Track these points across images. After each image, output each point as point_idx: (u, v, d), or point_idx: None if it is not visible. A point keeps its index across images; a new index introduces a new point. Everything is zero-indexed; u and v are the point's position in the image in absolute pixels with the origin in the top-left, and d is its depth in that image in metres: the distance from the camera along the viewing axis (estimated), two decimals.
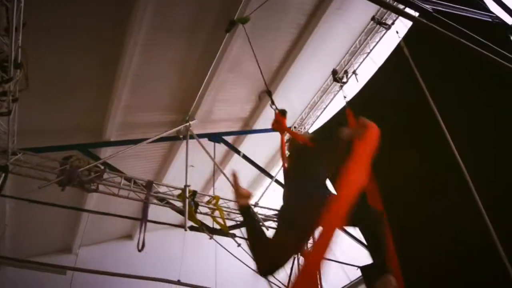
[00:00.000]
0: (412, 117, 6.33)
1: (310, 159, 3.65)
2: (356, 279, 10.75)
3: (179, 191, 8.23)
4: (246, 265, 10.30)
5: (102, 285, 10.65)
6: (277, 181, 10.61)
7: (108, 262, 10.10)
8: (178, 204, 8.29)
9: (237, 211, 9.47)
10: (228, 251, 8.29)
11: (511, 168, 4.88)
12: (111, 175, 7.89)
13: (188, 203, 7.83)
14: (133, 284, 10.44)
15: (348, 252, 9.66)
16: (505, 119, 5.04)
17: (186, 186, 8.10)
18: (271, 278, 10.31)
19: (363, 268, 8.97)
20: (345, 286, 11.45)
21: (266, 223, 9.18)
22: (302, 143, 4.18)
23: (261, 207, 9.88)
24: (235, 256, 8.98)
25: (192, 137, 9.27)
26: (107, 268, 9.42)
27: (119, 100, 8.22)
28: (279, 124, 5.15)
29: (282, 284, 9.22)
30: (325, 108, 11.08)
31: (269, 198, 11.36)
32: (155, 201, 8.16)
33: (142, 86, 8.38)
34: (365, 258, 9.19)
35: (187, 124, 9.29)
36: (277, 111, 5.41)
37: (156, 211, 8.65)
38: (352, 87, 9.90)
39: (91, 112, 8.44)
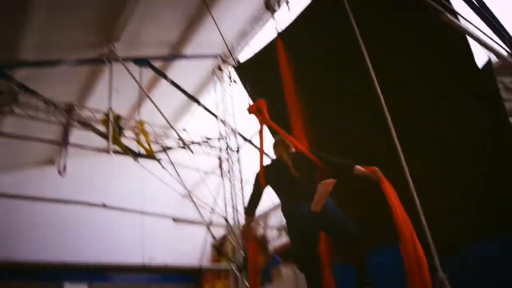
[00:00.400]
0: (342, 58, 6.27)
1: (313, 177, 3.74)
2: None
3: (102, 115, 8.04)
4: (173, 189, 10.60)
5: (25, 211, 10.48)
6: (205, 108, 10.63)
7: (30, 187, 9.83)
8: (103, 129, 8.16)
9: (164, 137, 9.52)
10: (154, 175, 8.40)
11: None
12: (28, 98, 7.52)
13: (112, 127, 7.70)
14: (59, 209, 10.38)
15: None
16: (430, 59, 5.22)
17: (110, 109, 7.91)
18: (197, 200, 10.67)
19: None
20: (268, 208, 12.05)
21: (192, 147, 9.33)
22: (305, 156, 3.85)
23: (188, 131, 9.93)
24: (161, 180, 9.16)
25: (116, 60, 8.89)
26: (30, 193, 9.25)
27: (35, 17, 7.58)
28: (262, 114, 4.13)
29: (208, 205, 9.64)
30: (255, 36, 10.98)
31: (197, 125, 11.38)
32: (76, 125, 7.94)
33: (61, 1, 7.76)
34: None
35: (111, 45, 8.85)
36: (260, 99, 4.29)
37: (81, 137, 8.46)
38: (286, 17, 9.82)
39: (4, 29, 7.75)
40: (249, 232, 4.19)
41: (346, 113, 6.18)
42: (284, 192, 3.82)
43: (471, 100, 5.00)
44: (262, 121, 4.09)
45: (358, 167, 3.64)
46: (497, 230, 4.58)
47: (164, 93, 10.24)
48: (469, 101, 5.01)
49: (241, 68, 7.67)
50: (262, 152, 4.02)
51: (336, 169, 3.78)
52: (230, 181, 9.14)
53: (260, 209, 11.62)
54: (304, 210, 3.42)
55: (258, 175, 3.92)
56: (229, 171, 9.21)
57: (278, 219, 11.80)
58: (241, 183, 8.81)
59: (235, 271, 8.51)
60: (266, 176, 3.87)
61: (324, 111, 6.32)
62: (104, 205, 9.10)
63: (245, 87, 7.46)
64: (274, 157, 4.11)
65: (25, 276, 10.18)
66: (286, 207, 3.75)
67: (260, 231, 12.10)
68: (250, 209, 4.02)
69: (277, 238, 11.72)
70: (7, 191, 9.14)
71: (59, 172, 7.14)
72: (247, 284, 8.32)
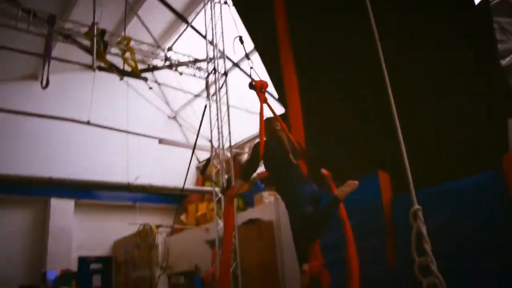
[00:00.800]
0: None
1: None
2: None
3: (86, 29, 7.74)
4: (158, 109, 10.56)
5: (11, 125, 10.41)
6: (193, 28, 10.29)
7: (14, 102, 9.69)
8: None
9: (151, 56, 9.28)
10: (140, 94, 8.29)
11: None
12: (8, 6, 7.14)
13: (97, 42, 7.45)
14: (44, 124, 10.32)
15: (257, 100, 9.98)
16: None
17: (94, 23, 7.60)
18: (183, 122, 10.68)
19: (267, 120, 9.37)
20: (253, 135, 12.15)
21: (180, 69, 9.14)
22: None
23: (176, 52, 9.68)
24: (147, 100, 9.07)
25: None
26: (12, 107, 9.12)
27: None
28: (263, 94, 4.34)
29: (193, 128, 9.62)
30: None
31: (185, 46, 11.09)
32: (59, 37, 7.65)
33: None
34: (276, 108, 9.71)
35: None
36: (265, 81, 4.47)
37: (64, 52, 8.22)
38: None
39: None
40: (234, 196, 4.45)
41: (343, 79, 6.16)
42: (280, 174, 4.13)
43: (464, 39, 4.89)
44: (263, 100, 4.27)
45: (326, 173, 4.19)
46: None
47: (151, 10, 9.85)
48: (462, 40, 4.90)
49: None
50: (262, 128, 4.13)
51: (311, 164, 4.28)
52: (217, 105, 9.07)
53: (245, 135, 11.60)
54: (309, 190, 3.94)
55: (257, 145, 4.05)
56: (215, 94, 9.10)
57: None
58: (227, 107, 8.75)
59: (218, 193, 8.70)
60: (265, 150, 4.03)
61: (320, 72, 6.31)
62: (88, 122, 9.06)
63: (239, 14, 7.19)
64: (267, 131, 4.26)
65: (12, 190, 10.33)
66: (284, 188, 4.13)
67: (245, 157, 12.31)
68: (246, 175, 4.19)
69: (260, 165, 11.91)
70: None
71: (42, 85, 6.96)
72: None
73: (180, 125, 9.96)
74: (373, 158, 6.08)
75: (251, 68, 4.94)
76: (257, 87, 4.29)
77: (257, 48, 7.66)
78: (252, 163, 4.12)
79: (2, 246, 10.29)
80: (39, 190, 10.74)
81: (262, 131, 4.11)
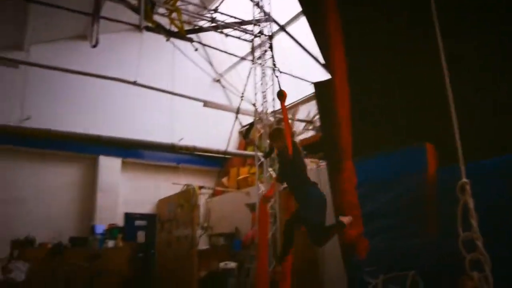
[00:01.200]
0: None
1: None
2: (309, 94, 11.11)
3: None
4: (203, 70, 10.53)
5: (56, 82, 10.74)
6: None
7: (62, 60, 9.95)
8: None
9: (197, 16, 9.21)
10: (186, 55, 8.27)
11: None
12: None
13: (144, 1, 7.43)
14: (93, 83, 10.59)
15: (303, 66, 9.76)
16: None
17: None
18: (228, 85, 10.61)
19: (316, 84, 9.10)
20: (297, 100, 11.98)
21: (225, 31, 9.02)
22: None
23: (222, 13, 9.52)
24: (193, 61, 9.06)
25: None
26: (62, 65, 9.36)
27: None
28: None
29: (237, 90, 9.57)
30: None
31: (231, 7, 10.87)
32: None
33: None
34: (319, 73, 9.46)
35: None
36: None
37: (113, 12, 8.26)
38: None
39: None
40: (272, 197, 4.90)
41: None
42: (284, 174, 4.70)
43: None
44: (285, 110, 4.65)
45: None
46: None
47: None
48: None
49: None
50: (288, 128, 4.53)
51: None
52: (262, 68, 8.94)
53: (288, 101, 11.48)
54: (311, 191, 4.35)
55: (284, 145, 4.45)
56: (261, 58, 8.97)
57: (305, 112, 11.78)
58: (273, 70, 8.61)
59: (260, 158, 8.70)
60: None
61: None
62: (135, 83, 9.20)
63: None
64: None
65: (64, 146, 10.80)
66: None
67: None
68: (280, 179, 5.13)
69: (303, 132, 11.79)
70: (43, 62, 9.28)
71: (91, 45, 7.08)
72: (271, 172, 8.57)
73: (224, 88, 9.91)
74: (418, 131, 5.92)
75: (277, 76, 5.38)
76: (284, 97, 4.60)
77: (305, 12, 7.45)
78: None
79: (56, 199, 10.88)
80: (89, 148, 11.15)
81: (288, 135, 4.46)
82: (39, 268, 8.29)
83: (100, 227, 10.51)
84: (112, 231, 10.34)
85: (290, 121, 12.04)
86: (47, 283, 8.01)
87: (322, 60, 9.07)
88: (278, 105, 9.17)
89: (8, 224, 9.77)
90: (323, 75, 8.92)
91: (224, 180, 12.91)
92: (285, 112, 4.65)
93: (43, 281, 8.03)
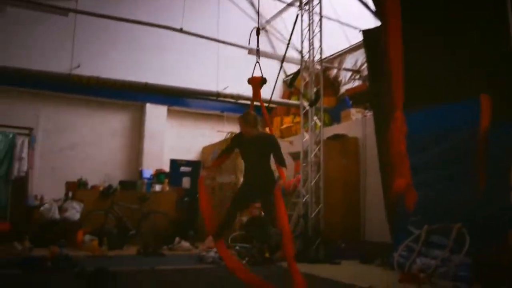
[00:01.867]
0: None
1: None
2: (357, 43, 10.75)
3: None
4: (249, 16, 10.30)
5: (104, 30, 10.87)
6: None
7: (111, 8, 10.01)
8: None
9: None
10: (231, 0, 8.10)
11: None
12: None
13: None
14: (139, 31, 10.67)
15: (350, 13, 9.36)
16: None
17: None
18: (274, 32, 10.31)
19: (366, 32, 8.68)
20: (344, 49, 11.61)
21: None
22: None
23: None
24: (238, 7, 8.88)
25: None
26: (108, 13, 9.44)
27: None
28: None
29: (283, 37, 9.26)
30: None
31: None
32: None
33: None
34: (370, 20, 9.05)
35: None
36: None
37: None
38: None
39: None
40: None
41: None
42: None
43: None
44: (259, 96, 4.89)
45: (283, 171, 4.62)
46: None
47: None
48: None
49: None
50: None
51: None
52: (309, 15, 8.65)
53: (335, 49, 11.17)
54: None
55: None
56: (308, 4, 8.65)
57: (352, 61, 11.42)
58: (320, 17, 8.31)
59: (306, 106, 8.61)
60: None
61: None
62: (181, 30, 9.18)
63: None
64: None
65: (112, 94, 11.10)
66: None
67: (333, 72, 11.91)
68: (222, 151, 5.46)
69: (349, 81, 11.51)
70: (92, 10, 9.39)
71: None
72: (316, 120, 8.50)
73: (269, 35, 9.70)
74: (472, 83, 5.74)
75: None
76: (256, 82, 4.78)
77: None
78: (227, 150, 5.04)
79: (106, 144, 11.37)
80: (136, 96, 11.41)
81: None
82: (92, 208, 8.79)
83: (148, 172, 10.93)
84: (159, 176, 10.72)
85: (336, 70, 11.77)
86: (100, 223, 8.51)
87: (372, 7, 8.68)
88: (325, 54, 8.93)
89: (63, 168, 10.36)
90: (373, 23, 8.55)
91: (268, 129, 12.91)
92: (262, 101, 4.93)
93: (97, 220, 8.53)
